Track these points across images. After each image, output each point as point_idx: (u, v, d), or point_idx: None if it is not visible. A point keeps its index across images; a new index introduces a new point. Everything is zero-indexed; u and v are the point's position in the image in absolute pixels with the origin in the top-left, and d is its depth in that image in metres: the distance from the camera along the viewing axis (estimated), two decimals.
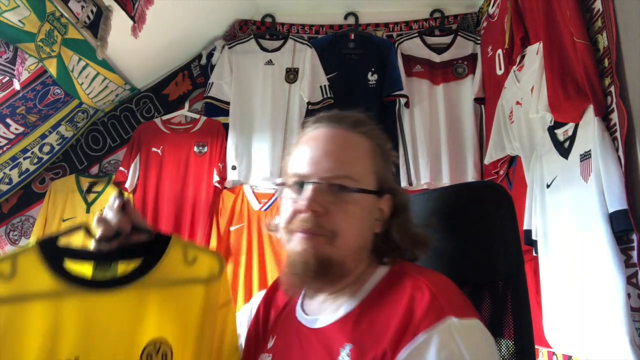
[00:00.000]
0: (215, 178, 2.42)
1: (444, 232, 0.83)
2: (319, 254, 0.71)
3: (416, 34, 2.55)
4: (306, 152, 0.77)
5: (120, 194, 0.80)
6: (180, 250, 0.79)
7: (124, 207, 0.76)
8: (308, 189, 0.72)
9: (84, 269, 0.72)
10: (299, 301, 0.83)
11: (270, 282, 2.28)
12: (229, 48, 2.54)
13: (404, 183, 2.37)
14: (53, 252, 0.71)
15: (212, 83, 2.51)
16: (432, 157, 2.39)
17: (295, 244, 0.73)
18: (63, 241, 0.73)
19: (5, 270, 0.67)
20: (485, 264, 0.79)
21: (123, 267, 0.74)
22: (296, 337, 0.77)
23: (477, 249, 0.80)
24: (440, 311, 0.62)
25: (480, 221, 0.81)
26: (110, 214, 0.75)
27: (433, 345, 0.60)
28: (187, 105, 2.60)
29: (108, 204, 0.77)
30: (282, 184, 0.79)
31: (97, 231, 0.74)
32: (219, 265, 0.82)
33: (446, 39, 2.54)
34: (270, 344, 0.81)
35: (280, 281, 0.80)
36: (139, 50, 2.27)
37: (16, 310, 0.67)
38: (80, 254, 0.73)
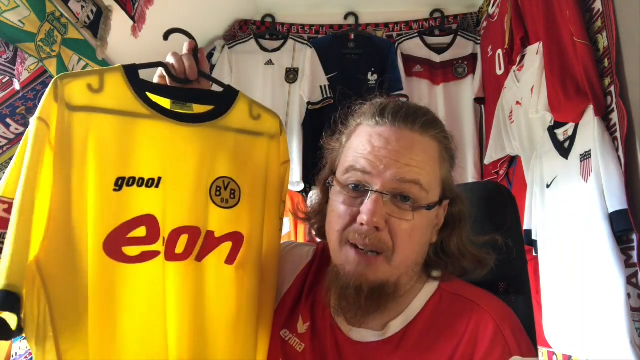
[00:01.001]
0: None
1: None
2: (375, 279, 0.64)
3: (416, 34, 2.55)
4: (368, 148, 0.65)
5: (192, 40, 0.87)
6: (246, 105, 0.82)
7: (195, 51, 0.82)
8: (371, 198, 0.62)
9: (164, 102, 0.75)
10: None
11: None
12: (229, 48, 2.54)
13: None
14: (136, 79, 0.74)
15: (212, 83, 2.50)
16: None
17: (348, 260, 0.64)
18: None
19: (94, 83, 0.70)
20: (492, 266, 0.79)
21: (198, 108, 0.78)
22: (332, 340, 0.70)
23: (481, 249, 0.79)
24: (505, 348, 0.59)
25: (484, 221, 0.80)
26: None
27: None
28: None
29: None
30: (335, 181, 0.68)
31: (170, 66, 0.79)
32: (280, 124, 0.84)
33: (446, 39, 2.54)
34: (302, 329, 0.74)
35: (323, 298, 0.72)
36: (139, 50, 2.27)
37: (102, 120, 0.69)
38: (159, 89, 0.77)
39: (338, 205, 0.66)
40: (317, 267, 0.81)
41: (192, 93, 0.79)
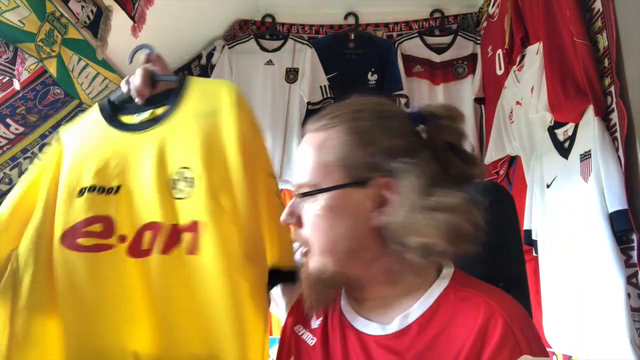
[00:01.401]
0: None
1: None
2: (310, 271, 0.68)
3: (416, 34, 2.55)
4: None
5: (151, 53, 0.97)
6: (198, 88, 0.88)
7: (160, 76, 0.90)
8: (291, 201, 0.71)
9: (131, 119, 0.89)
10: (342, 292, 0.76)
11: None
12: (229, 48, 2.54)
13: None
14: (107, 109, 0.91)
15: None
16: None
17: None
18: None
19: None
20: (487, 264, 0.77)
21: (156, 112, 0.87)
22: (340, 331, 0.71)
23: (480, 249, 0.79)
24: (515, 348, 0.57)
25: (483, 221, 0.79)
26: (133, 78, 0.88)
27: None
28: None
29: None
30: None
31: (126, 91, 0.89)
32: (234, 93, 0.86)
33: (446, 39, 2.53)
34: (315, 324, 0.74)
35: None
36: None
37: (76, 142, 0.89)
38: (122, 109, 0.90)
39: None
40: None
41: (148, 101, 0.88)
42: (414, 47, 2.53)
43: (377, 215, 0.64)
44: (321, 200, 0.66)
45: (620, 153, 1.29)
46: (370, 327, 0.68)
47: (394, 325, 0.65)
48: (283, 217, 0.70)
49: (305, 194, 0.67)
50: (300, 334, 0.76)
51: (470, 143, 0.70)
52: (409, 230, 0.62)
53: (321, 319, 0.74)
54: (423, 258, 0.62)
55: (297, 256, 0.78)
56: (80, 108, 2.35)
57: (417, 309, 0.65)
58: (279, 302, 0.90)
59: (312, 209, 0.66)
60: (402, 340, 0.63)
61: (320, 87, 2.47)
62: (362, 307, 0.70)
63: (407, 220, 0.62)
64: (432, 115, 0.67)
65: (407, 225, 0.62)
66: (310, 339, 0.73)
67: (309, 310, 0.72)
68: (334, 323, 0.72)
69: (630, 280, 1.24)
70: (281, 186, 2.35)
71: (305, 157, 0.69)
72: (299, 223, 0.68)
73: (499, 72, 2.16)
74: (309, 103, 2.46)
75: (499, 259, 0.78)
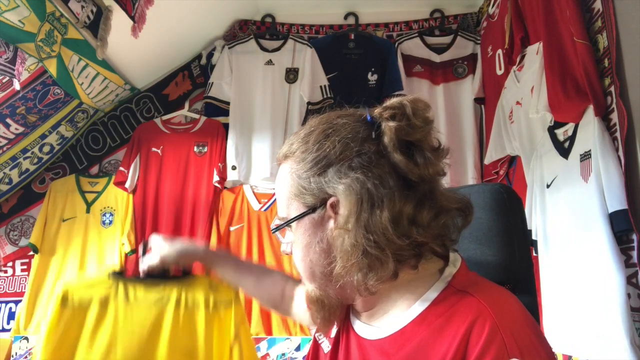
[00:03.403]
0: (215, 178, 2.42)
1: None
2: (308, 296, 0.72)
3: (416, 34, 2.55)
4: None
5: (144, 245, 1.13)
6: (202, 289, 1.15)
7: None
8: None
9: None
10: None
11: None
12: (229, 48, 2.54)
13: None
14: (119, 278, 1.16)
15: (212, 83, 2.51)
16: None
17: None
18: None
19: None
20: (495, 266, 0.78)
21: (156, 292, 1.14)
22: (346, 337, 0.72)
23: (487, 251, 0.79)
24: (501, 350, 0.54)
25: (491, 223, 0.79)
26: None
27: None
28: (187, 105, 2.60)
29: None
30: None
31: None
32: (234, 300, 1.15)
33: (446, 39, 2.54)
34: (333, 332, 0.76)
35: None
36: (139, 50, 2.27)
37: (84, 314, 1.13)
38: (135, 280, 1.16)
39: None
40: None
41: (156, 278, 1.11)
42: (414, 47, 2.53)
43: (336, 233, 0.64)
44: (294, 231, 0.68)
45: (620, 153, 1.29)
46: (368, 332, 0.68)
47: (390, 328, 0.65)
48: (282, 249, 0.74)
49: (275, 229, 0.70)
50: (320, 342, 0.79)
51: (437, 135, 0.69)
52: (345, 249, 0.62)
53: (338, 327, 0.75)
54: (363, 273, 0.62)
55: None
56: (80, 108, 2.36)
57: (411, 312, 0.64)
58: (300, 303, 0.94)
59: (292, 241, 0.70)
60: (395, 342, 0.63)
61: (320, 87, 2.47)
62: (363, 313, 0.72)
63: (346, 239, 0.62)
64: (389, 116, 0.64)
65: (346, 244, 0.62)
66: (326, 347, 0.76)
67: (321, 329, 0.75)
68: (344, 330, 0.74)
69: (630, 280, 1.24)
70: None
71: (276, 192, 0.73)
72: (288, 251, 0.72)
73: (499, 72, 2.16)
74: (309, 103, 2.46)
75: (507, 260, 0.77)
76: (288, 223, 0.68)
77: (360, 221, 0.60)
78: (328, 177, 0.64)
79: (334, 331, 0.76)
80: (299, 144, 0.69)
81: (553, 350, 0.59)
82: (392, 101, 0.66)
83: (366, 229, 0.60)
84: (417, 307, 0.63)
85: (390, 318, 0.66)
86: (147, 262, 1.06)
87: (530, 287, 0.78)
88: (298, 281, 0.98)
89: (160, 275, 1.10)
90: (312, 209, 0.65)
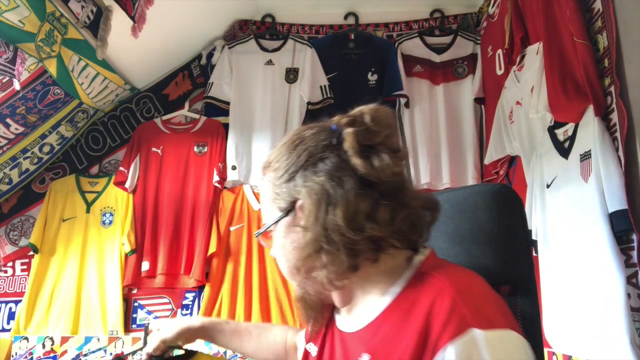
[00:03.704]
0: (215, 178, 2.42)
1: (455, 234, 0.82)
2: (294, 295, 0.79)
3: (416, 34, 2.55)
4: None
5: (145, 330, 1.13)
6: None
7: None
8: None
9: None
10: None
11: (270, 281, 2.29)
12: (229, 48, 2.54)
13: None
14: None
15: (212, 83, 2.51)
16: (432, 157, 2.39)
17: None
18: None
19: None
20: (497, 267, 0.78)
21: None
22: (331, 333, 0.79)
23: (487, 251, 0.79)
24: (461, 322, 0.56)
25: (492, 223, 0.79)
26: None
27: None
28: (187, 105, 2.60)
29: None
30: None
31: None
32: None
33: (446, 39, 2.54)
34: (319, 336, 0.82)
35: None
36: (139, 50, 2.27)
37: None
38: None
39: None
40: None
41: None
42: (414, 47, 2.53)
43: (305, 233, 0.70)
44: (274, 235, 0.76)
45: (620, 153, 1.29)
46: (348, 325, 0.74)
47: (366, 319, 0.69)
48: (271, 253, 0.78)
49: (257, 233, 0.78)
50: (310, 350, 0.83)
51: (398, 139, 0.74)
52: (305, 245, 0.69)
53: (324, 329, 0.81)
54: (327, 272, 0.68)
55: None
56: (80, 108, 2.36)
57: (384, 300, 0.68)
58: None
59: (273, 244, 0.76)
60: (370, 331, 0.67)
61: (320, 87, 2.47)
62: (343, 309, 0.77)
63: (306, 235, 0.68)
64: (348, 123, 0.71)
65: (306, 240, 0.68)
66: (314, 351, 0.81)
67: (306, 325, 0.81)
68: (329, 331, 0.79)
69: (630, 280, 1.24)
70: None
71: (260, 201, 0.82)
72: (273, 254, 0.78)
73: (499, 72, 2.16)
74: (309, 103, 2.46)
75: (508, 261, 0.78)
76: (267, 227, 0.75)
77: (319, 219, 0.66)
78: (296, 182, 0.71)
79: (320, 334, 0.81)
80: (274, 155, 0.77)
81: (517, 323, 0.61)
82: (354, 110, 0.74)
83: (323, 226, 0.66)
84: (389, 295, 0.68)
85: (366, 309, 0.70)
86: (149, 347, 1.06)
87: (532, 288, 0.78)
88: (297, 329, 1.04)
89: (162, 358, 1.09)
90: (285, 213, 0.72)
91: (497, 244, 0.78)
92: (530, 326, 0.75)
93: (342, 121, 0.72)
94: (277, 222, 0.73)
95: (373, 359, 0.63)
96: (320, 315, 0.78)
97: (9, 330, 2.32)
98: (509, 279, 0.78)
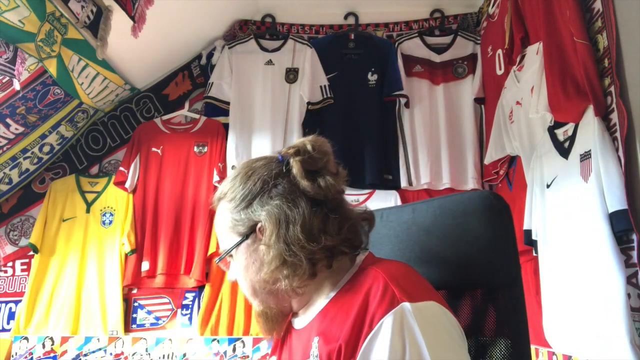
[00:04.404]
0: (215, 178, 2.42)
1: (445, 240, 0.85)
2: (254, 311, 0.86)
3: (416, 34, 2.55)
4: None
5: None
6: None
7: None
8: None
9: None
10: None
11: None
12: (229, 48, 2.54)
13: (404, 183, 2.37)
14: None
15: (212, 83, 2.51)
16: (432, 157, 2.39)
17: None
18: None
19: None
20: (485, 272, 0.82)
21: None
22: (289, 338, 0.86)
23: (476, 254, 0.82)
24: (393, 299, 0.67)
25: (479, 231, 0.82)
26: None
27: (388, 331, 0.64)
28: (187, 105, 2.60)
29: None
30: None
31: None
32: None
33: (446, 39, 2.54)
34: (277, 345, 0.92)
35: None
36: (139, 50, 2.27)
37: None
38: None
39: None
40: None
41: None
42: (414, 47, 2.53)
43: (271, 251, 0.78)
44: (234, 259, 0.82)
45: (620, 153, 1.29)
46: (301, 323, 0.83)
47: (313, 313, 0.79)
48: (228, 278, 0.86)
49: (219, 259, 0.84)
50: None
51: (337, 163, 0.83)
52: (270, 260, 0.77)
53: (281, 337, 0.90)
54: (291, 279, 0.77)
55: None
56: (80, 108, 2.36)
57: (330, 295, 0.78)
58: None
59: (234, 267, 0.83)
60: (319, 319, 0.77)
61: (320, 87, 2.47)
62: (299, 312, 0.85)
63: (271, 252, 0.77)
64: (293, 153, 0.80)
65: (270, 256, 0.77)
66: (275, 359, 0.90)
67: (266, 337, 0.87)
68: (286, 336, 0.88)
69: (630, 280, 1.24)
70: None
71: (216, 230, 0.87)
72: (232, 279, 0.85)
73: (499, 72, 2.16)
74: (309, 103, 2.46)
75: (495, 265, 0.80)
76: (228, 252, 0.82)
77: (280, 236, 0.76)
78: (254, 208, 0.79)
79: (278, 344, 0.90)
80: (227, 187, 0.83)
81: (440, 297, 0.71)
82: (296, 142, 0.83)
83: (285, 242, 0.75)
84: (334, 290, 0.78)
85: (316, 306, 0.80)
86: None
87: (518, 291, 0.79)
88: None
89: None
90: (245, 236, 0.80)
91: (485, 249, 0.82)
92: (516, 331, 0.77)
93: (288, 152, 0.81)
94: (238, 245, 0.80)
95: (323, 339, 0.72)
96: (281, 324, 0.86)
97: (9, 330, 2.32)
98: (497, 281, 0.80)
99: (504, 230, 0.82)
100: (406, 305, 0.65)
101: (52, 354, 2.22)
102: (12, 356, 2.22)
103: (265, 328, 0.84)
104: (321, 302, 0.79)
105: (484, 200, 0.84)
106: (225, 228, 0.82)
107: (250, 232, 0.79)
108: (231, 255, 0.83)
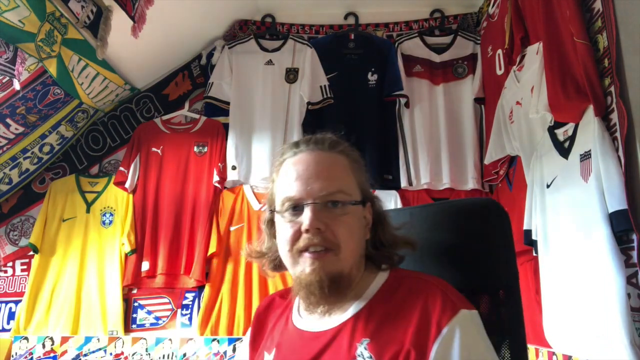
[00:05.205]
0: (215, 178, 2.42)
1: (447, 245, 0.88)
2: (330, 270, 0.77)
3: (416, 34, 2.55)
4: (294, 176, 0.80)
5: None
6: None
7: None
8: (307, 210, 0.77)
9: None
10: (295, 311, 0.88)
11: (269, 281, 2.29)
12: (229, 48, 2.54)
13: (404, 183, 2.37)
14: None
15: (212, 83, 2.51)
16: (432, 157, 2.39)
17: (304, 265, 0.78)
18: None
19: None
20: (482, 274, 0.86)
21: None
22: (300, 342, 0.81)
23: (478, 261, 0.86)
24: (453, 306, 0.72)
25: (477, 237, 0.86)
26: None
27: (457, 335, 0.69)
28: (187, 105, 2.60)
29: None
30: (275, 211, 0.83)
31: None
32: None
33: (446, 39, 2.54)
34: (269, 357, 0.85)
35: (298, 297, 0.84)
36: (139, 50, 2.27)
37: None
38: None
39: (284, 229, 0.80)
40: (257, 321, 0.96)
41: None
42: (414, 47, 2.53)
43: (367, 230, 0.84)
44: (352, 210, 0.80)
45: (620, 153, 1.29)
46: (316, 325, 0.80)
47: (349, 313, 0.78)
48: (311, 223, 0.76)
49: (340, 202, 0.79)
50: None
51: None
52: (393, 243, 0.83)
53: (274, 347, 0.85)
54: (389, 264, 0.83)
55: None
56: (80, 108, 2.36)
57: (359, 301, 0.79)
58: None
59: (347, 217, 0.79)
60: (356, 325, 0.76)
61: (320, 87, 2.47)
62: (313, 311, 0.82)
63: (389, 235, 0.83)
64: None
65: (391, 239, 0.83)
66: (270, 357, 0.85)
67: (311, 307, 0.82)
68: (289, 337, 0.84)
69: (630, 280, 1.24)
70: None
71: (331, 170, 0.81)
72: (327, 228, 0.77)
73: (499, 72, 2.16)
74: (309, 103, 2.46)
75: (494, 269, 0.84)
76: (355, 203, 0.80)
77: (383, 227, 0.84)
78: (368, 185, 0.85)
79: (270, 356, 0.85)
80: (350, 148, 0.86)
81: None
82: None
83: (383, 232, 0.84)
84: (364, 298, 0.79)
85: (343, 309, 0.79)
86: None
87: (516, 295, 0.82)
88: None
89: None
90: (363, 202, 0.82)
91: (487, 254, 0.85)
92: (515, 336, 0.80)
93: None
94: (358, 204, 0.81)
95: (373, 341, 0.72)
96: (324, 301, 0.81)
97: (9, 330, 2.32)
98: (495, 285, 0.84)
99: (503, 236, 0.85)
100: (465, 311, 0.72)
101: (52, 354, 2.22)
102: (12, 356, 2.22)
103: (316, 298, 0.78)
104: (350, 306, 0.79)
105: (485, 207, 0.88)
106: (353, 176, 0.83)
107: (366, 201, 0.83)
108: (350, 204, 0.80)
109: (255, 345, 0.92)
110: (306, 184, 0.78)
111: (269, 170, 2.37)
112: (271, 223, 0.88)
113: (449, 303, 0.72)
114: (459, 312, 0.71)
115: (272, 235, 0.87)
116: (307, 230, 0.76)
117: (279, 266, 0.87)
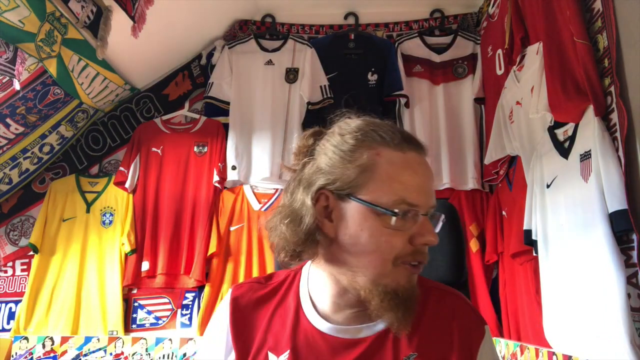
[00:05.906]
0: (215, 178, 2.42)
1: None
2: (414, 283, 0.76)
3: (416, 34, 2.55)
4: (415, 180, 0.72)
5: None
6: None
7: None
8: (429, 224, 0.73)
9: None
10: (308, 308, 0.80)
11: None
12: (229, 48, 2.54)
13: None
14: None
15: (212, 83, 2.51)
16: (432, 157, 2.39)
17: (403, 276, 0.73)
18: None
19: None
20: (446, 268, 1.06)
21: None
22: (326, 348, 0.76)
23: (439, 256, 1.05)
24: (480, 322, 0.80)
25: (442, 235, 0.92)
26: None
27: (490, 339, 0.80)
28: (187, 105, 2.60)
29: None
30: (393, 212, 0.70)
31: None
32: None
33: (446, 39, 2.54)
34: (283, 344, 0.78)
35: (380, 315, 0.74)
36: (139, 50, 2.27)
37: None
38: None
39: (386, 233, 0.71)
40: (240, 315, 0.83)
41: None
42: (414, 47, 2.53)
43: None
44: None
45: (620, 153, 1.29)
46: (361, 331, 0.77)
47: (381, 324, 0.77)
48: (436, 238, 0.73)
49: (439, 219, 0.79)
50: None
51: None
52: None
53: (288, 350, 0.77)
54: None
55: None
56: (80, 108, 2.36)
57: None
58: None
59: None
60: (396, 337, 0.76)
61: (320, 87, 2.47)
62: (337, 314, 0.78)
63: None
64: None
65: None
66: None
67: (401, 329, 0.74)
68: (297, 335, 0.78)
69: (630, 280, 1.24)
70: (279, 186, 2.36)
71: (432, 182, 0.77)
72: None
73: (499, 72, 2.16)
74: (309, 103, 2.46)
75: (459, 264, 1.03)
76: (382, 210, 0.71)
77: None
78: None
79: (283, 344, 0.78)
80: None
81: None
82: None
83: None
84: None
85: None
86: None
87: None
88: None
89: None
90: (392, 212, 0.73)
91: (451, 250, 1.02)
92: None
93: None
94: (387, 213, 0.70)
95: (420, 356, 0.74)
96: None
97: (9, 330, 2.32)
98: (460, 277, 1.02)
99: (461, 234, 1.02)
100: (487, 327, 0.81)
101: (52, 354, 2.22)
102: (12, 356, 2.22)
103: (409, 312, 0.73)
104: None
105: (447, 210, 1.03)
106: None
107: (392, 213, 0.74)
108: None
109: (245, 340, 0.80)
110: (427, 195, 0.73)
111: (269, 170, 2.38)
112: (327, 203, 0.74)
113: (478, 318, 0.81)
114: (485, 328, 0.79)
115: (327, 217, 0.74)
116: (425, 245, 0.72)
117: (297, 255, 0.78)
